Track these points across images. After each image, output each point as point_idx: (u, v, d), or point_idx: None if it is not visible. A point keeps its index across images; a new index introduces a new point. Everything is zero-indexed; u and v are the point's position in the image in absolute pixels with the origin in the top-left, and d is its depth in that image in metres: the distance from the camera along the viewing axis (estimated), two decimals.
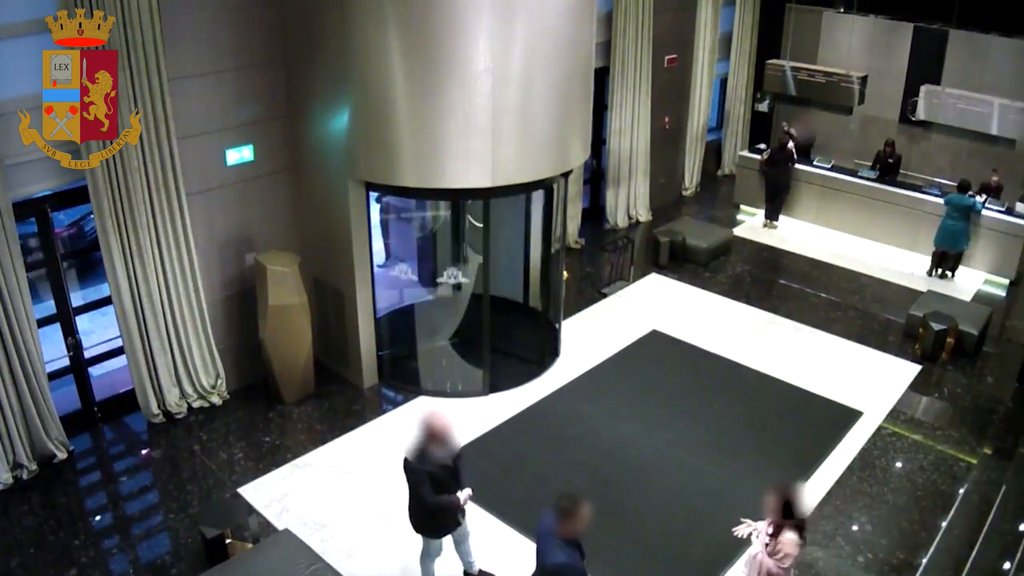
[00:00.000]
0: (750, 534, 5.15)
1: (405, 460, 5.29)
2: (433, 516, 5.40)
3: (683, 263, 11.28)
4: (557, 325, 8.95)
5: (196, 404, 7.85)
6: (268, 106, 7.70)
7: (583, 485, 6.77)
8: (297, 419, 7.88)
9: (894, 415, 8.13)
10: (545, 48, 6.92)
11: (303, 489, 6.90)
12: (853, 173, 12.57)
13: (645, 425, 7.81)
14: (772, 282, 11.12)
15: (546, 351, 8.81)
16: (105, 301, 7.51)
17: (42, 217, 6.87)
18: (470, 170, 6.98)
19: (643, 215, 12.77)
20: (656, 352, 9.18)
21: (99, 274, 8.68)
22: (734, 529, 5.27)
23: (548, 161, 7.42)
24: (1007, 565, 5.99)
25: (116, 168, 6.69)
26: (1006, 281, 11.07)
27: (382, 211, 9.54)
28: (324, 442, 7.51)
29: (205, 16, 7.07)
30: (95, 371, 7.69)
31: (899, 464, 7.44)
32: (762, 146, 13.40)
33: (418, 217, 9.63)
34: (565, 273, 9.23)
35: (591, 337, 9.37)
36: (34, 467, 6.93)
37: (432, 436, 5.17)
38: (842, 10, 13.97)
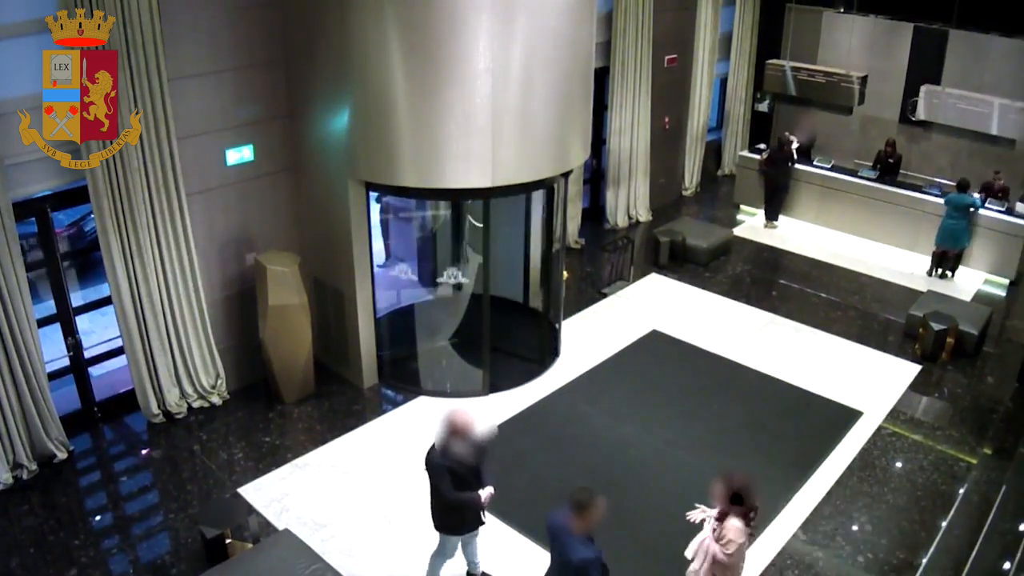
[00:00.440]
0: (703, 520, 5.15)
1: (427, 456, 5.29)
2: (454, 513, 5.38)
3: (683, 263, 11.28)
4: (557, 325, 8.95)
5: (196, 404, 7.85)
6: (268, 106, 7.70)
7: (583, 485, 6.72)
8: (297, 419, 7.88)
9: (894, 415, 8.13)
10: (545, 48, 6.91)
11: (303, 489, 6.90)
12: (853, 173, 12.56)
13: (645, 425, 7.81)
14: (772, 282, 11.11)
15: (546, 351, 8.80)
16: (105, 301, 7.51)
17: (42, 217, 6.87)
18: (470, 170, 6.98)
19: (643, 215, 12.78)
20: (656, 352, 9.18)
21: (99, 274, 8.68)
22: (687, 514, 5.26)
23: (548, 161, 7.41)
24: (1007, 565, 5.99)
25: (116, 168, 6.69)
26: (1006, 281, 11.08)
27: (382, 211, 9.55)
28: (324, 442, 7.51)
29: (205, 16, 7.07)
30: (95, 371, 7.69)
31: (899, 464, 7.44)
32: (762, 146, 13.40)
33: (418, 217, 9.63)
34: (565, 273, 9.23)
35: (591, 337, 9.37)
36: (34, 467, 6.93)
37: (454, 432, 5.15)
38: (842, 10, 13.95)
